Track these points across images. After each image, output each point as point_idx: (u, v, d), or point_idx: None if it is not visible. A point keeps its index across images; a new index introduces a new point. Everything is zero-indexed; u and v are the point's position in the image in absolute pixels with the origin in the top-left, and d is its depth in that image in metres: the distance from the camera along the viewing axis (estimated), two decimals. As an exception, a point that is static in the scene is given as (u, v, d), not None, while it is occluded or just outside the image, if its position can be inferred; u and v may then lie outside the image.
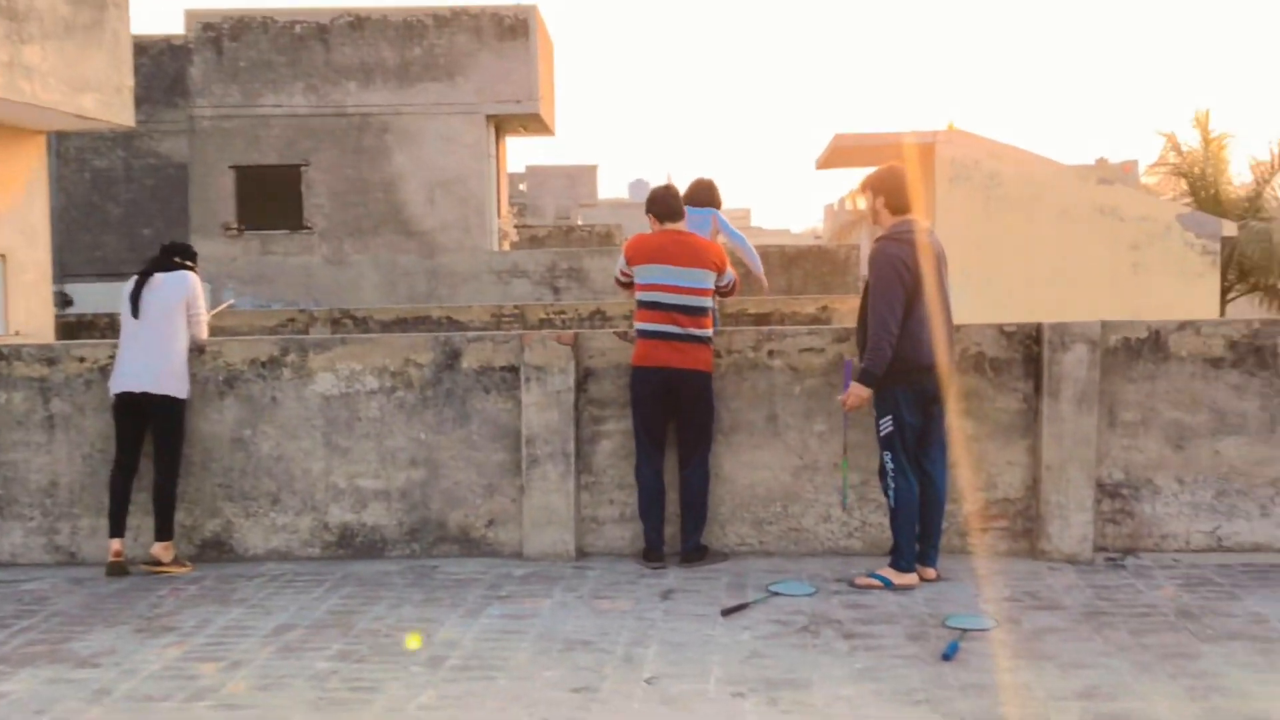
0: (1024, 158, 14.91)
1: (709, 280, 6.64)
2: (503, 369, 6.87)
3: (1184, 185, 25.34)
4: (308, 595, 6.17)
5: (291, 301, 21.25)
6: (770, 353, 6.79)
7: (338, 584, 6.37)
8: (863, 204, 6.49)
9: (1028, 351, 6.69)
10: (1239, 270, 22.30)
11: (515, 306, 17.11)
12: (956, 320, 6.50)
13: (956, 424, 6.63)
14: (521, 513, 6.81)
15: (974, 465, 6.71)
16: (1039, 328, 6.67)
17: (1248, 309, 24.12)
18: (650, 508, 6.62)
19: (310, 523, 6.93)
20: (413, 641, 5.39)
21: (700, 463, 6.61)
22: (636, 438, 6.64)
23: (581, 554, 6.83)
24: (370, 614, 5.81)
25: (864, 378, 6.08)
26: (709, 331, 6.62)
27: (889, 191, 6.23)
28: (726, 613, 5.70)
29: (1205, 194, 24.16)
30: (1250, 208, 23.88)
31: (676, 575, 6.40)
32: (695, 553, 6.59)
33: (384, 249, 21.75)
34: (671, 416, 6.60)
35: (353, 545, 6.92)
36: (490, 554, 6.87)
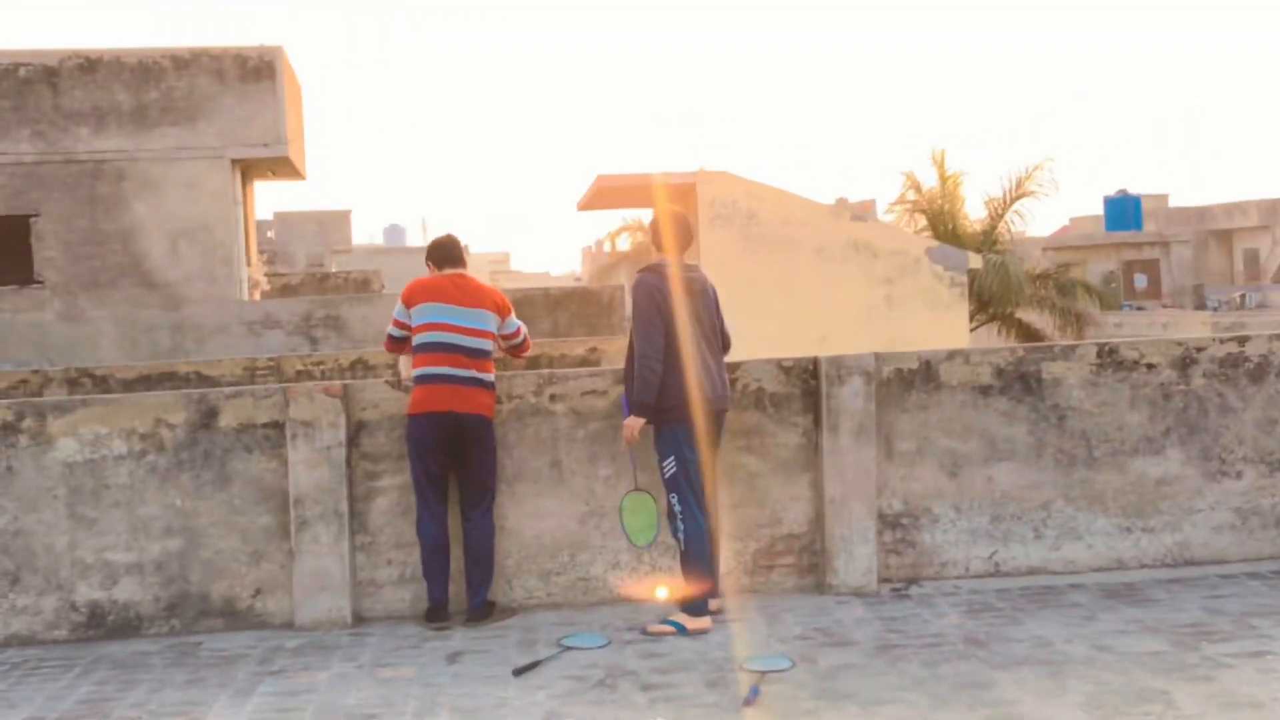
0: (780, 197, 15.31)
1: (490, 322, 6.46)
2: (265, 425, 6.48)
3: (923, 221, 26.67)
4: (55, 683, 5.61)
5: (23, 362, 19.77)
6: (552, 397, 6.64)
7: (89, 668, 5.83)
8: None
9: (806, 386, 6.75)
10: (978, 301, 23.56)
11: (270, 359, 16.34)
12: (733, 358, 6.53)
13: (739, 461, 6.65)
14: (292, 579, 6.42)
15: (759, 502, 6.72)
16: (816, 362, 6.75)
17: (988, 338, 25.53)
18: (433, 564, 6.34)
19: (55, 603, 6.34)
20: None
21: (485, 514, 6.38)
22: (417, 490, 6.36)
23: (359, 619, 6.48)
24: (127, 700, 5.33)
25: (637, 409, 6.10)
26: (491, 376, 6.43)
27: (653, 232, 6.45)
28: (518, 672, 5.49)
29: (944, 229, 25.47)
30: (986, 240, 25.33)
31: (463, 636, 6.14)
32: (482, 610, 6.34)
33: (124, 303, 20.54)
34: (452, 466, 6.35)
35: (104, 625, 6.36)
36: (259, 625, 6.44)
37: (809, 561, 6.74)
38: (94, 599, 6.36)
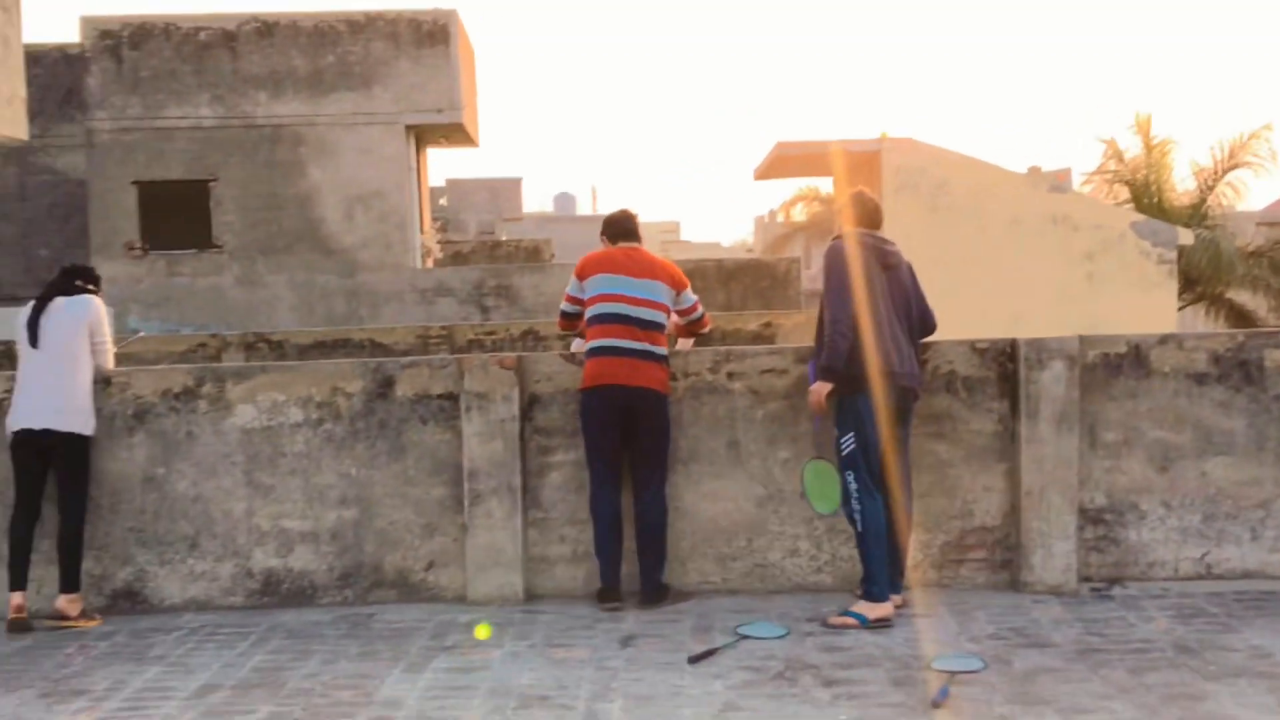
0: (971, 165, 14.89)
1: (663, 294, 6.43)
2: (440, 397, 6.58)
3: (1125, 193, 25.61)
4: (231, 650, 5.81)
5: (202, 325, 20.69)
6: (730, 374, 6.57)
7: (264, 637, 6.03)
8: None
9: (1002, 369, 6.53)
10: (1184, 280, 22.54)
11: (443, 327, 16.76)
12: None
13: (928, 447, 6.49)
14: (465, 553, 6.52)
15: (948, 492, 6.54)
16: (1014, 344, 6.52)
17: (1194, 320, 24.43)
18: (606, 542, 6.36)
19: (232, 569, 6.57)
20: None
21: (657, 493, 6.37)
22: (590, 466, 6.38)
23: (531, 596, 6.54)
24: (302, 670, 5.47)
25: (823, 374, 6.01)
26: (664, 349, 6.40)
27: (856, 209, 6.32)
28: (694, 660, 5.45)
29: (1149, 201, 24.41)
30: (1195, 215, 24.19)
31: (636, 619, 6.14)
32: (657, 593, 6.33)
33: (300, 268, 21.28)
34: (626, 442, 6.35)
35: (279, 593, 6.57)
36: (431, 599, 6.56)
37: (1002, 557, 6.54)
38: (269, 566, 6.57)
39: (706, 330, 6.78)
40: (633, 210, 6.76)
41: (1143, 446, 6.50)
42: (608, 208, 6.92)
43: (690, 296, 6.61)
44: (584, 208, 68.75)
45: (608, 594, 6.34)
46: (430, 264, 23.81)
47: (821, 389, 6.04)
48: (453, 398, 6.57)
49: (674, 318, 6.60)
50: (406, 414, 6.59)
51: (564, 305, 6.66)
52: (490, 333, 16.55)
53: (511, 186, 49.14)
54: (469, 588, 6.50)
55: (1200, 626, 5.77)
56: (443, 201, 43.13)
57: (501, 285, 21.57)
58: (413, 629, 6.08)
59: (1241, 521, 6.50)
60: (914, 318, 6.23)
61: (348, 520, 6.57)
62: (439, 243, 26.95)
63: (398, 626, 6.13)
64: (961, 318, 11.96)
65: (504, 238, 36.03)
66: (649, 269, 6.47)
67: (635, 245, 6.58)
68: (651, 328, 6.36)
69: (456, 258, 27.32)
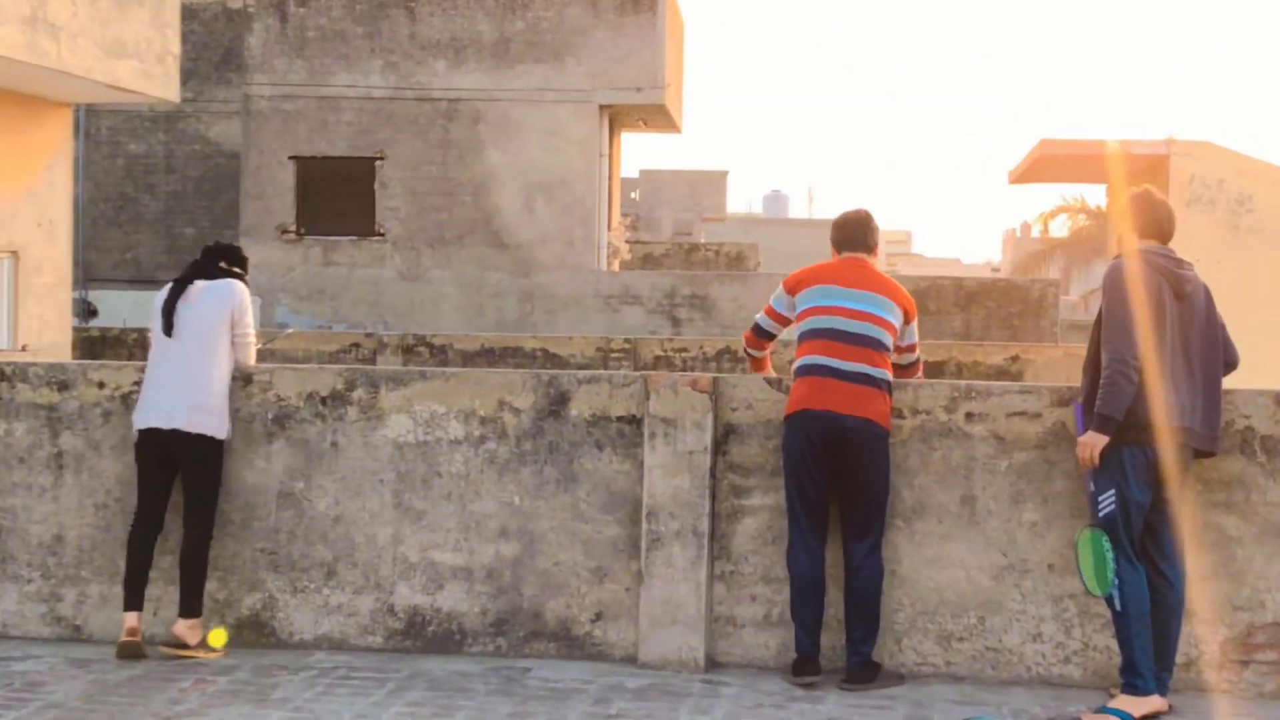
0: (1283, 177, 14.29)
1: (891, 312, 6.31)
2: (620, 420, 6.59)
3: None
4: (365, 699, 5.90)
5: (357, 323, 21.33)
6: (968, 415, 6.39)
7: (403, 685, 6.10)
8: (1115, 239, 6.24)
9: (1313, 429, 6.19)
10: None
11: (627, 340, 16.92)
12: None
13: (1213, 520, 6.21)
14: (638, 606, 6.50)
15: (1235, 577, 6.24)
16: (1330, 399, 6.17)
17: None
18: (804, 604, 6.26)
19: (372, 604, 6.69)
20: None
21: (873, 550, 6.23)
22: (790, 511, 6.29)
23: (713, 664, 6.48)
24: (443, 729, 5.52)
25: (1100, 424, 5.77)
26: (888, 374, 6.27)
27: (1144, 213, 6.09)
28: (906, 756, 5.30)
29: None
30: None
31: (838, 701, 6.01)
32: (864, 671, 6.19)
33: (470, 263, 21.73)
34: (837, 485, 6.23)
35: (423, 636, 6.66)
36: (596, 657, 6.55)
37: (1299, 661, 6.19)
38: (415, 604, 6.66)
39: (915, 379, 6.64)
40: (869, 213, 6.63)
41: None
42: (826, 211, 6.77)
43: (914, 332, 6.50)
44: (798, 210, 68.62)
45: (804, 667, 6.22)
46: (617, 266, 24.04)
47: (1097, 441, 5.80)
48: (635, 421, 6.56)
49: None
50: (580, 437, 6.61)
51: (760, 318, 6.59)
52: (681, 349, 16.61)
53: (715, 181, 49.38)
54: (641, 647, 6.47)
55: None
56: (634, 195, 43.63)
57: (697, 295, 21.61)
58: (573, 690, 6.07)
59: None
60: (1211, 356, 5.95)
61: (507, 557, 6.62)
62: (628, 242, 27.21)
63: (556, 686, 6.13)
64: (1263, 361, 11.44)
65: (703, 240, 36.20)
66: (879, 284, 6.38)
67: (862, 257, 6.47)
68: (873, 346, 6.23)
69: (647, 260, 27.54)
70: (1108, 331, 5.81)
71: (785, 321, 6.51)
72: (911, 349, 6.54)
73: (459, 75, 21.70)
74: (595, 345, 16.64)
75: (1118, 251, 6.08)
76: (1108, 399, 5.73)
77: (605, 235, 22.70)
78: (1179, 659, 6.10)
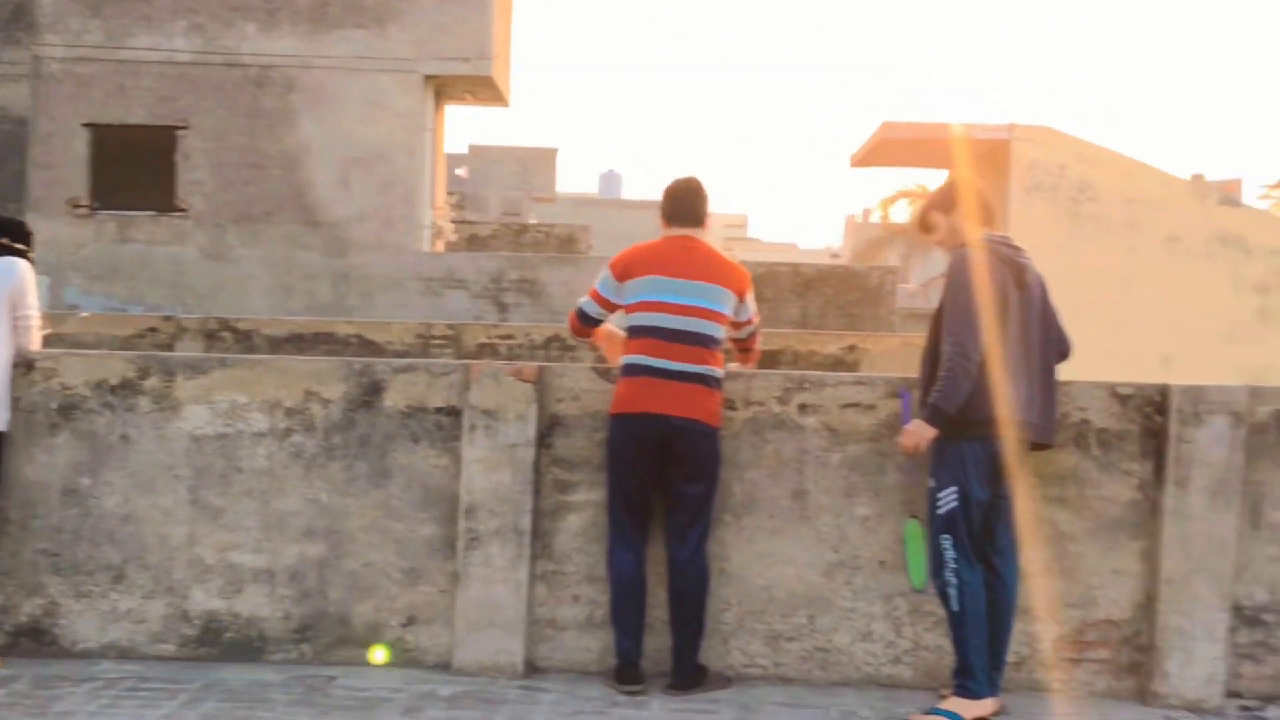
0: (1125, 166, 14.72)
1: (725, 303, 6.33)
2: (439, 411, 6.55)
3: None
4: (156, 710, 5.79)
5: (155, 305, 20.79)
6: (802, 407, 6.48)
7: (198, 696, 6.00)
8: (930, 229, 6.23)
9: (1147, 423, 6.41)
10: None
11: (449, 326, 16.74)
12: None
13: (1045, 515, 6.38)
14: (454, 609, 6.47)
15: (1067, 573, 6.44)
16: (1165, 391, 6.40)
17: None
18: (626, 608, 6.29)
19: (164, 609, 6.55)
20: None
21: (697, 551, 6.28)
22: (611, 510, 6.33)
23: (532, 669, 6.48)
24: (241, 742, 5.43)
25: (931, 415, 5.90)
26: (719, 371, 6.31)
27: (964, 200, 6.18)
28: (732, 763, 5.36)
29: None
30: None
31: (662, 706, 6.06)
32: (690, 676, 6.24)
33: (280, 242, 21.35)
34: (661, 484, 6.27)
35: (220, 643, 6.54)
36: (408, 663, 6.52)
37: (1130, 659, 6.42)
38: (211, 609, 6.54)
39: (753, 358, 6.73)
40: (699, 181, 6.60)
41: (1320, 532, 6.36)
42: (661, 192, 6.76)
43: (749, 307, 6.52)
44: (633, 190, 68.79)
45: (625, 673, 6.26)
46: (441, 247, 23.86)
47: (924, 433, 5.94)
48: (454, 413, 6.52)
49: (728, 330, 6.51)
50: (395, 430, 6.55)
51: (585, 303, 6.55)
52: (508, 336, 16.53)
53: (545, 159, 49.32)
54: (455, 652, 6.44)
55: (1381, 767, 5.62)
56: (461, 172, 43.35)
57: (525, 279, 21.54)
58: (382, 700, 6.03)
59: None
60: (1048, 346, 6.11)
61: (312, 558, 6.53)
62: (453, 222, 27.01)
63: (364, 695, 6.08)
64: (1100, 354, 11.81)
65: (532, 221, 36.12)
66: (708, 268, 6.37)
67: (693, 234, 6.46)
68: (704, 344, 6.26)
69: (473, 242, 27.37)
70: (951, 323, 5.91)
71: (613, 308, 6.49)
72: (748, 322, 6.55)
73: (271, 40, 21.29)
74: (415, 331, 16.45)
75: (941, 237, 6.18)
76: (944, 392, 5.85)
77: (428, 214, 22.49)
78: (1011, 657, 6.28)
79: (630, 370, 6.27)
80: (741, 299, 6.42)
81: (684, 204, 6.50)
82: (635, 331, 6.32)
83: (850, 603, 6.47)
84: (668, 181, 6.63)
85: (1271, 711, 6.25)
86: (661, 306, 6.26)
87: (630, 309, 6.36)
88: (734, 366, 6.68)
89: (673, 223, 6.49)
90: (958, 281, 5.96)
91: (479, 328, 17.25)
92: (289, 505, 6.55)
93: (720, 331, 6.34)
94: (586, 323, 6.59)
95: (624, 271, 6.41)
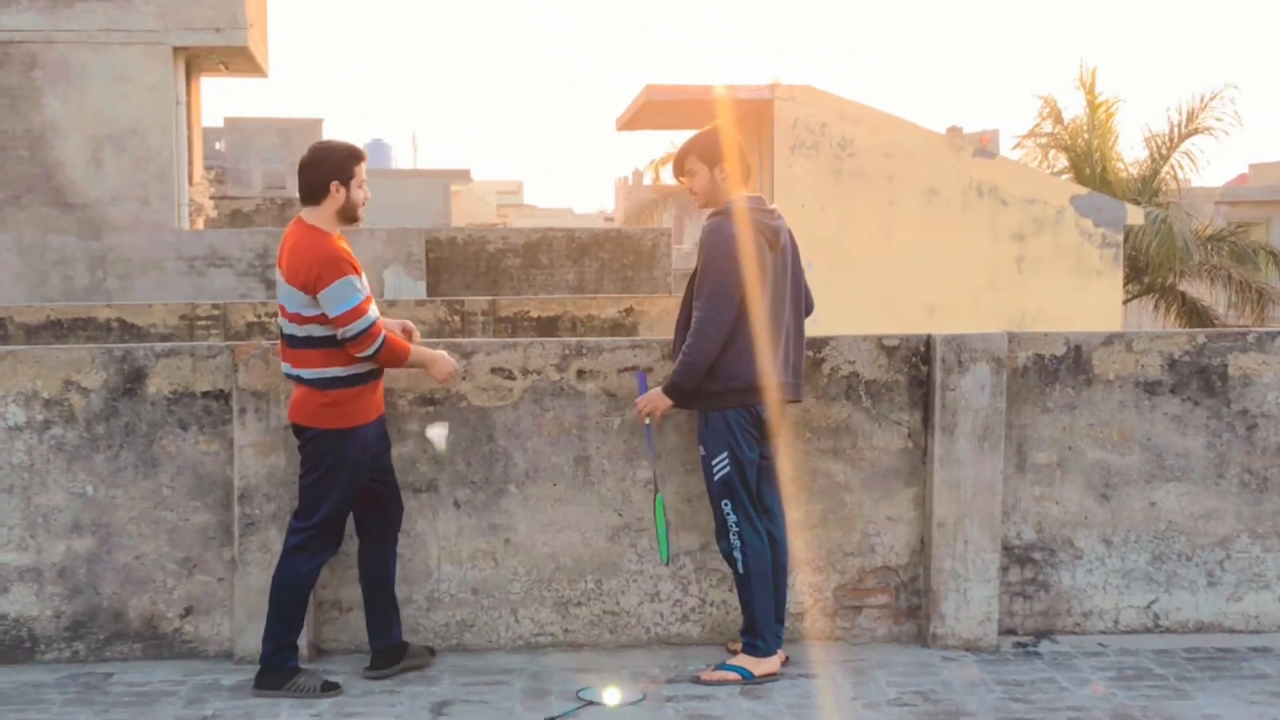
0: (883, 122, 15.08)
1: (291, 299, 5.85)
2: (206, 395, 6.41)
3: (1063, 161, 26.36)
4: (-80, 722, 5.56)
5: (-104, 297, 19.86)
6: (580, 373, 6.51)
7: (-35, 704, 5.78)
8: (688, 174, 6.23)
9: (914, 373, 6.60)
10: (1130, 267, 23.26)
11: (215, 306, 16.38)
12: (817, 330, 6.41)
13: (822, 468, 6.54)
14: (233, 596, 6.35)
15: (844, 523, 6.60)
16: (929, 341, 6.59)
17: (1139, 316, 25.22)
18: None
19: (-76, 615, 6.29)
20: None
21: (286, 554, 5.97)
22: None
23: (318, 652, 6.41)
24: (14, 748, 5.27)
25: (670, 389, 6.05)
26: (311, 372, 5.86)
27: (729, 157, 6.19)
28: (524, 732, 5.40)
29: (1090, 172, 25.17)
30: (1145, 189, 24.99)
31: (451, 682, 6.05)
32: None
33: (30, 226, 20.59)
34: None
35: (-13, 646, 6.32)
36: (189, 654, 6.39)
37: (909, 603, 6.62)
38: (-24, 611, 6.31)
39: (367, 354, 5.83)
40: (315, 149, 6.04)
41: (1081, 470, 6.64)
42: (432, 161, 6.51)
43: (332, 299, 5.75)
44: (402, 160, 68.11)
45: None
46: (201, 224, 23.30)
47: (659, 403, 6.09)
48: (223, 397, 6.39)
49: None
50: (161, 417, 6.39)
51: None
52: (276, 314, 16.22)
53: (309, 129, 48.36)
54: (237, 640, 6.33)
55: (1145, 691, 5.91)
56: (219, 145, 42.32)
57: (293, 254, 21.16)
58: (162, 693, 5.90)
59: (1196, 563, 6.68)
60: (798, 306, 6.23)
61: (81, 553, 6.35)
62: (213, 198, 26.37)
63: (143, 690, 5.95)
64: (866, 306, 12.14)
65: (298, 194, 35.49)
66: (287, 262, 5.88)
67: (300, 219, 5.99)
68: (288, 343, 5.96)
69: (236, 218, 26.78)
70: (702, 294, 5.98)
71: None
72: (341, 320, 5.76)
73: (9, 14, 20.47)
74: (179, 313, 16.05)
75: (699, 187, 6.20)
76: (683, 371, 5.97)
77: (186, 191, 21.93)
78: (794, 608, 6.45)
79: None
80: (310, 291, 5.78)
81: (300, 181, 5.98)
82: None
83: (637, 565, 6.54)
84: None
85: (1044, 646, 6.52)
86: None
87: None
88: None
89: (302, 202, 6.06)
90: (710, 254, 5.99)
91: (246, 306, 16.91)
92: (53, 500, 6.34)
93: (297, 329, 5.88)
94: None
95: None
